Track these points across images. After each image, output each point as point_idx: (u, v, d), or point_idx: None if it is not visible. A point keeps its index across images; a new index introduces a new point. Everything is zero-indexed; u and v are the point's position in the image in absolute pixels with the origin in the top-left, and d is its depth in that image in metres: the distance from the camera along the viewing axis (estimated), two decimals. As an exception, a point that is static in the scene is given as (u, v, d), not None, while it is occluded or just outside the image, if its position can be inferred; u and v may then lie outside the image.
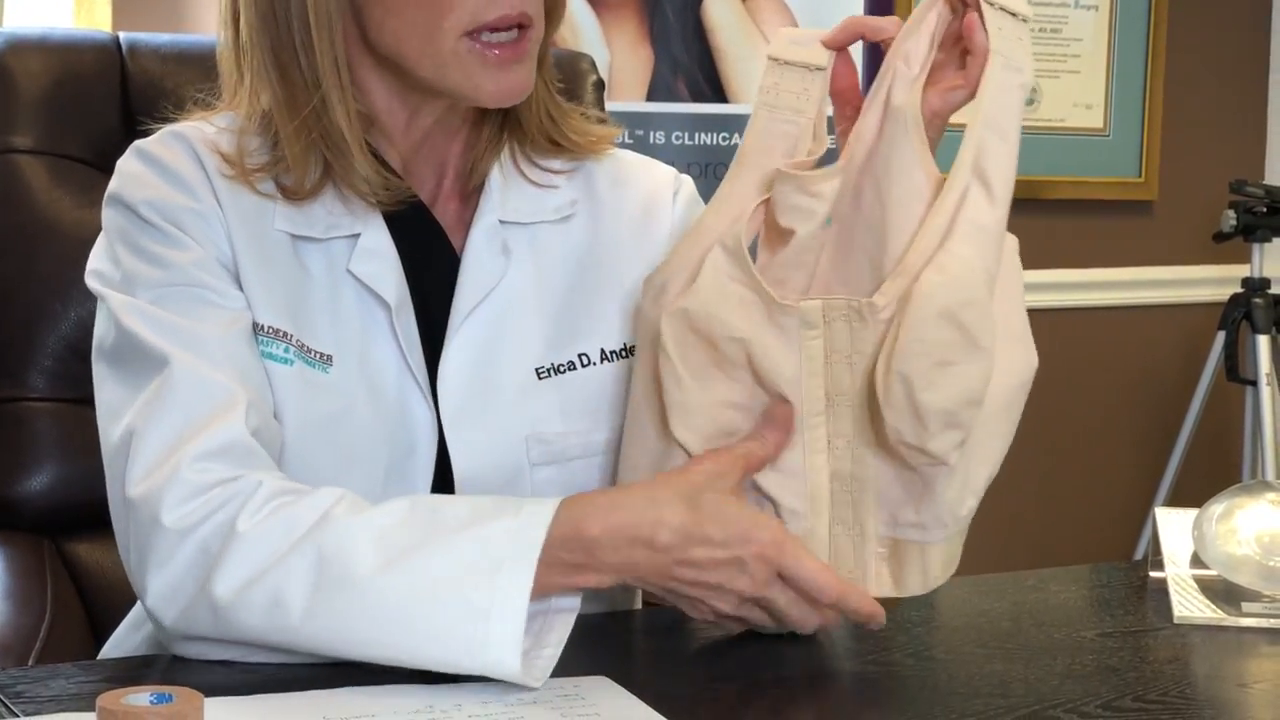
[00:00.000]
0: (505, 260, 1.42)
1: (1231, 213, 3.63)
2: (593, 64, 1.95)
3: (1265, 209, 3.62)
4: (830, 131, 1.35)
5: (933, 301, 1.22)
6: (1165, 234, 3.91)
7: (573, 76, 1.87)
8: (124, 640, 1.48)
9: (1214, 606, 1.48)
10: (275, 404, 1.34)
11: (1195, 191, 3.90)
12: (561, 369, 1.42)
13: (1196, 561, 1.55)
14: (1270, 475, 3.58)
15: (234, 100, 1.41)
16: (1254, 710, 1.28)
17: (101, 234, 1.39)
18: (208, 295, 1.34)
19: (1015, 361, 1.27)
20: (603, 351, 1.44)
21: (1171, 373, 3.92)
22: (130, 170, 1.38)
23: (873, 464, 1.28)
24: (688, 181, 1.54)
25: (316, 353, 1.36)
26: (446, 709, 1.14)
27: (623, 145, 1.56)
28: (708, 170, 3.05)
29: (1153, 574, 1.57)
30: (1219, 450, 3.88)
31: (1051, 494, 3.80)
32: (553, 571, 1.20)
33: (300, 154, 1.35)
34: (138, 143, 1.40)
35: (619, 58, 3.04)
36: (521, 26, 1.34)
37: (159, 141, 1.39)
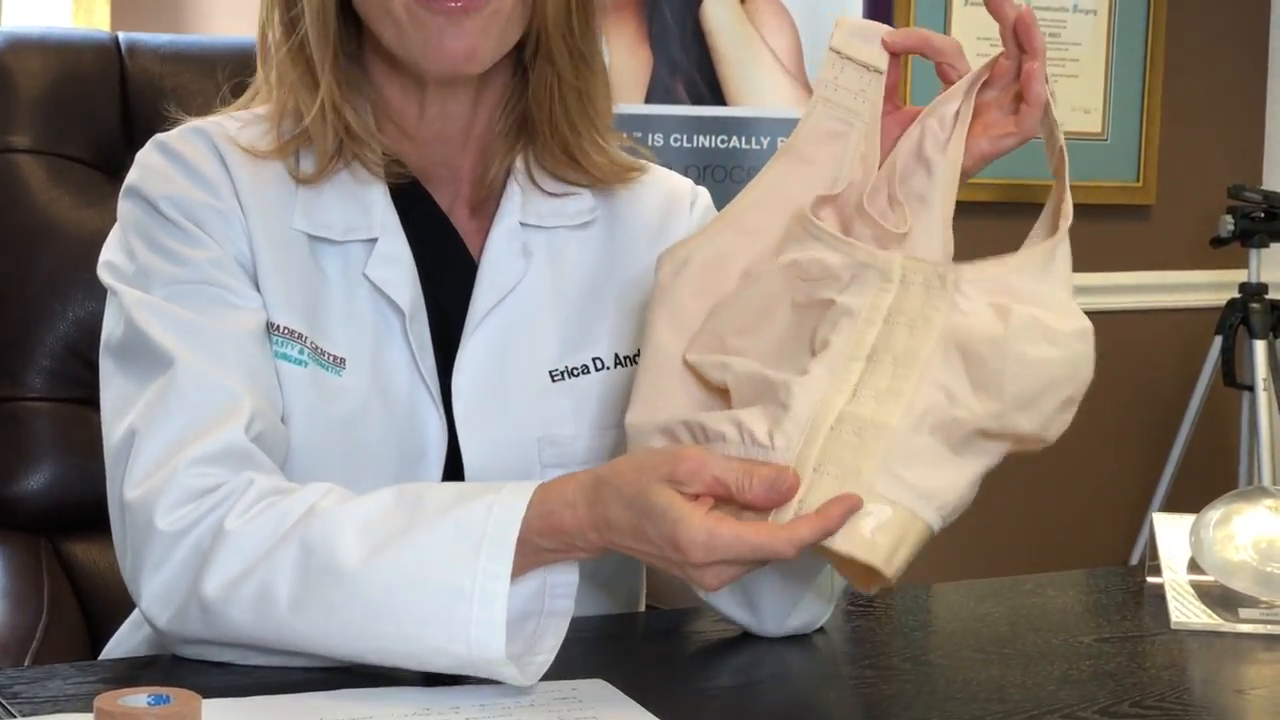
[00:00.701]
0: (525, 263, 1.42)
1: (1229, 218, 3.63)
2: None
3: (1263, 214, 3.62)
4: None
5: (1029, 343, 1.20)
6: (1163, 239, 3.92)
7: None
8: (126, 639, 1.48)
9: (1211, 612, 1.48)
10: (286, 405, 1.34)
11: (1193, 196, 3.90)
12: (575, 372, 1.42)
13: (1194, 567, 1.55)
14: (1267, 481, 3.58)
15: (262, 95, 1.42)
16: (1251, 716, 1.28)
17: (116, 225, 1.39)
18: (224, 295, 1.33)
19: None
20: (616, 356, 1.44)
21: (1168, 377, 3.92)
22: (151, 164, 1.38)
23: (900, 418, 1.19)
24: (704, 192, 1.54)
25: (330, 355, 1.36)
26: (444, 711, 1.14)
27: (622, 149, 1.56)
28: (706, 173, 3.05)
29: (1150, 579, 1.57)
30: (1216, 456, 3.88)
31: (1048, 499, 3.80)
32: (542, 553, 1.20)
33: (319, 122, 1.37)
34: (159, 136, 1.40)
35: (617, 60, 3.04)
36: None
37: (181, 136, 1.39)
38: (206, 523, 1.23)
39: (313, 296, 1.37)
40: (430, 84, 1.40)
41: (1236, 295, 3.69)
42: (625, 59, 3.05)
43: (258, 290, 1.35)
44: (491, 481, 1.25)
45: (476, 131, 1.43)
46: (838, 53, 1.30)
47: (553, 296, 1.43)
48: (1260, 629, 1.45)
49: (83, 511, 1.67)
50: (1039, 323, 1.19)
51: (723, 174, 3.06)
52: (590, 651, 1.31)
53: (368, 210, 1.39)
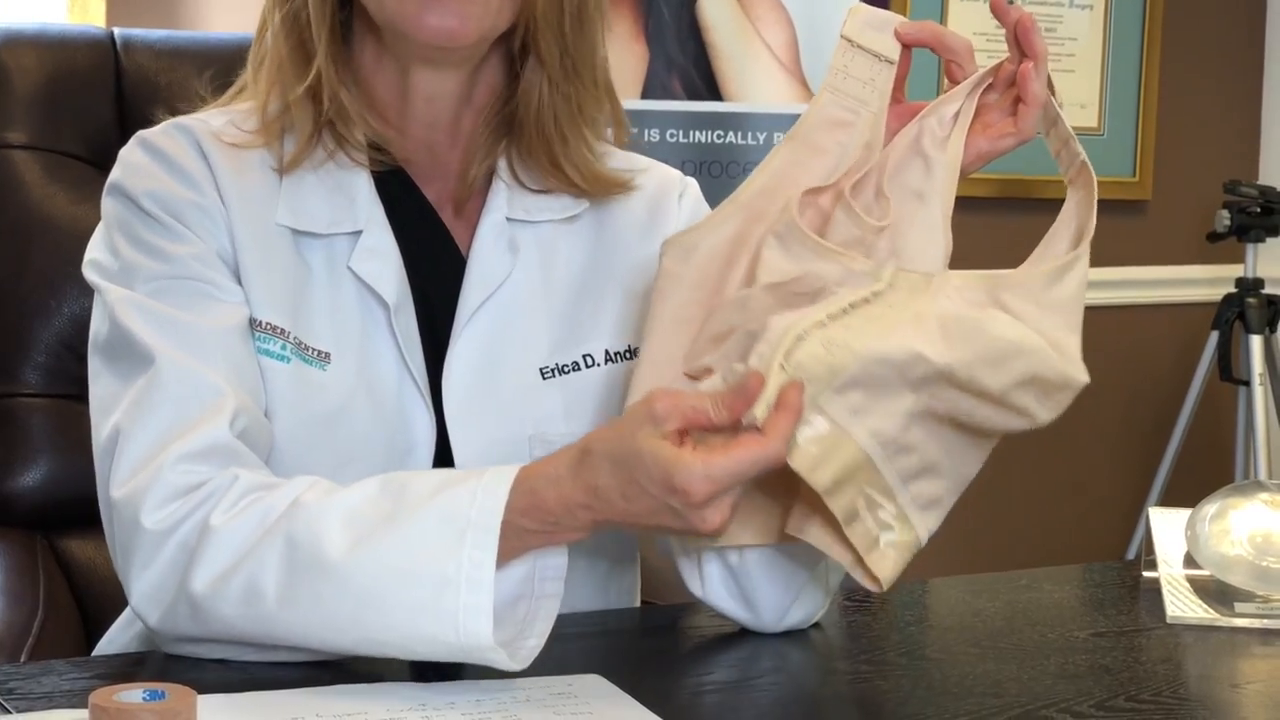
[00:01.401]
0: (512, 258, 1.42)
1: (1225, 213, 3.63)
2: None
3: (1259, 209, 3.62)
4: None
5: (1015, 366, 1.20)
6: (1159, 233, 3.92)
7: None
8: (121, 635, 1.48)
9: (1207, 607, 1.48)
10: (270, 402, 1.34)
11: (1189, 191, 3.91)
12: (566, 369, 1.42)
13: (1190, 561, 1.56)
14: (1263, 475, 3.58)
15: (248, 91, 1.42)
16: (1246, 710, 1.28)
17: (100, 223, 1.39)
18: (207, 289, 1.33)
19: None
20: (607, 353, 1.44)
21: (1165, 372, 3.92)
22: (133, 160, 1.38)
23: (866, 345, 1.18)
24: (692, 184, 1.53)
25: (314, 350, 1.36)
26: (439, 706, 1.14)
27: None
28: (702, 168, 3.05)
29: (1146, 574, 1.58)
30: (1212, 450, 3.89)
31: (1044, 493, 3.80)
32: (527, 536, 1.19)
33: (304, 100, 1.37)
34: (141, 133, 1.40)
35: (613, 55, 3.02)
36: None
37: (163, 133, 1.39)
38: (192, 520, 1.23)
39: (296, 291, 1.37)
40: (417, 70, 1.39)
41: (1232, 290, 3.69)
42: (621, 54, 3.04)
43: (240, 286, 1.35)
44: (475, 468, 1.24)
45: (464, 128, 1.43)
46: (849, 41, 1.30)
47: (542, 292, 1.43)
48: (1256, 623, 1.46)
49: (79, 507, 1.67)
50: (1016, 324, 1.19)
51: (719, 169, 3.06)
52: (586, 647, 1.31)
53: (352, 202, 1.39)
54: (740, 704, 1.23)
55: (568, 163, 1.43)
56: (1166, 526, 1.60)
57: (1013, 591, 1.56)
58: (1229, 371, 3.66)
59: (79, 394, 1.56)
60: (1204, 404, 3.72)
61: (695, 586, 1.39)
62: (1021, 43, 1.28)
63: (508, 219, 1.43)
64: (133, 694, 0.97)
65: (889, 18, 1.31)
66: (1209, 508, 1.57)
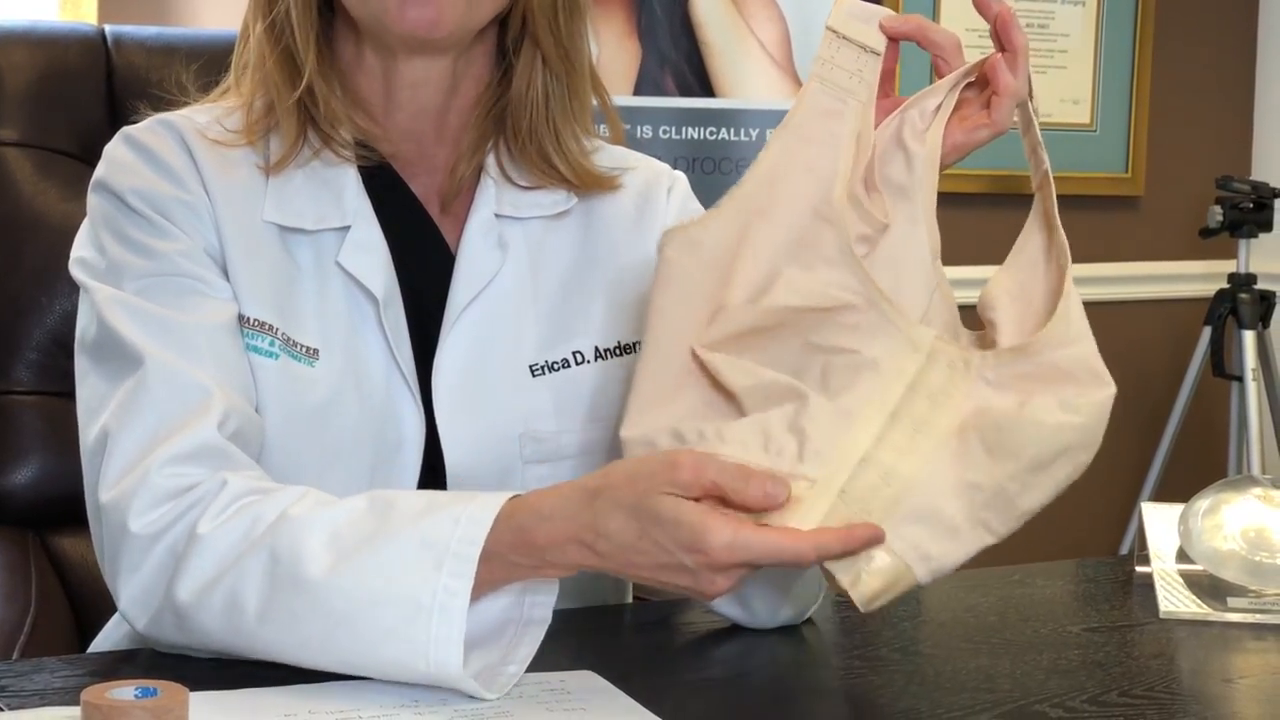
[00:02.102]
0: (501, 255, 1.41)
1: (1218, 208, 3.64)
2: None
3: (1251, 205, 3.63)
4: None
5: (1055, 441, 1.21)
6: (1152, 229, 3.92)
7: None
8: (114, 633, 1.47)
9: (1200, 601, 1.48)
10: (259, 398, 1.34)
11: (1182, 187, 3.91)
12: (555, 366, 1.42)
13: (1182, 556, 1.56)
14: (1256, 470, 3.58)
15: (233, 90, 1.41)
16: (1239, 705, 1.28)
17: (86, 220, 1.38)
18: (196, 286, 1.33)
19: None
20: (597, 350, 1.43)
21: (1158, 368, 3.93)
22: (118, 157, 1.38)
23: (924, 475, 1.20)
24: (681, 178, 1.53)
25: (302, 346, 1.35)
26: (432, 704, 1.14)
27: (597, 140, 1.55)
28: (694, 165, 3.05)
29: (1139, 569, 1.58)
30: (1205, 445, 3.89)
31: (1038, 489, 3.80)
32: (514, 569, 1.18)
33: (290, 113, 1.37)
34: (126, 129, 1.39)
35: (606, 52, 3.04)
36: None
37: (148, 129, 1.39)
38: (180, 525, 1.23)
39: (284, 287, 1.36)
40: (399, 65, 1.39)
41: (1225, 286, 3.69)
42: (614, 51, 3.04)
43: (228, 282, 1.35)
44: (465, 491, 1.23)
45: (451, 124, 1.43)
46: (835, 32, 1.30)
47: (531, 289, 1.42)
48: (1249, 618, 1.46)
49: (71, 505, 1.66)
50: (1058, 397, 1.21)
51: (711, 166, 3.06)
52: (579, 643, 1.31)
53: (339, 197, 1.38)
54: (733, 699, 1.23)
55: (558, 157, 1.43)
56: (1160, 521, 1.60)
57: (1006, 586, 1.56)
58: (1222, 367, 3.67)
59: (70, 391, 1.55)
60: (1197, 399, 3.73)
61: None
62: (1001, 36, 1.28)
63: (496, 215, 1.42)
64: (125, 691, 0.97)
65: (874, 10, 1.31)
66: (1202, 503, 1.57)
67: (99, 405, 1.29)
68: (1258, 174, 3.98)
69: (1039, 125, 1.31)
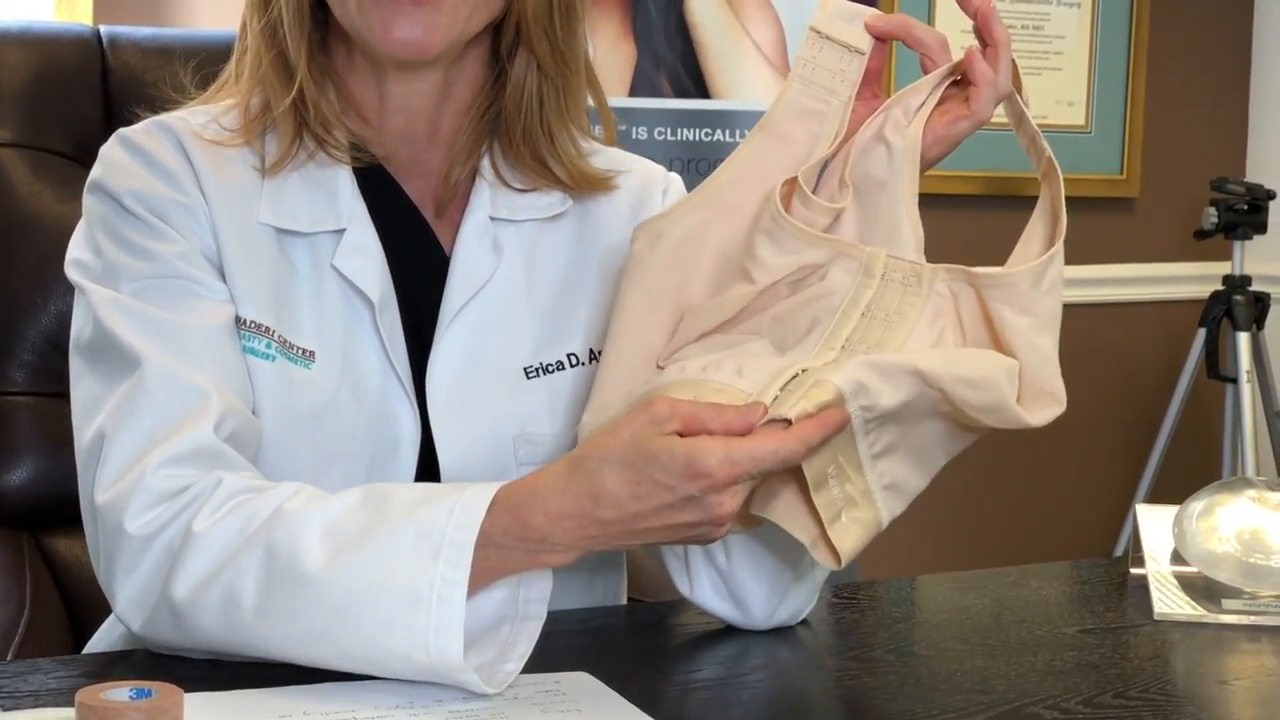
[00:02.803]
0: (496, 257, 1.41)
1: (1213, 210, 3.64)
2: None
3: (1246, 206, 3.63)
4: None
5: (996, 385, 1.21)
6: (1147, 231, 3.92)
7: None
8: (109, 634, 1.47)
9: (1194, 603, 1.49)
10: (255, 400, 1.34)
11: (1177, 189, 3.91)
12: (550, 369, 1.42)
13: (1177, 558, 1.56)
14: (1250, 472, 3.59)
15: (228, 89, 1.41)
16: (1234, 706, 1.28)
17: (82, 221, 1.38)
18: (192, 288, 1.33)
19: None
20: (591, 352, 1.43)
21: (1152, 369, 3.93)
22: (114, 159, 1.37)
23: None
24: (676, 179, 1.53)
25: (298, 348, 1.35)
26: (427, 704, 1.14)
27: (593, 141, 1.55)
28: (689, 166, 3.05)
29: (1133, 570, 1.58)
30: (1199, 447, 3.89)
31: (1032, 490, 3.80)
32: (511, 556, 1.18)
33: (285, 115, 1.37)
34: (122, 130, 1.39)
35: (601, 53, 3.04)
36: None
37: (144, 131, 1.39)
38: (176, 525, 1.23)
39: (280, 289, 1.36)
40: (391, 73, 1.39)
41: (1220, 287, 3.70)
42: (609, 52, 3.04)
43: (225, 284, 1.35)
44: (459, 482, 1.24)
45: (444, 128, 1.43)
46: (818, 32, 1.31)
47: (526, 292, 1.42)
48: (1243, 620, 1.46)
49: (65, 506, 1.66)
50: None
51: (706, 167, 3.06)
52: (574, 644, 1.31)
53: (334, 200, 1.38)
54: (728, 701, 1.23)
55: (553, 159, 1.43)
56: (1154, 523, 1.60)
57: (1000, 588, 1.56)
58: (1216, 368, 3.67)
59: (65, 392, 1.55)
60: (1191, 401, 3.73)
61: (683, 586, 1.39)
62: (982, 31, 1.28)
63: (491, 218, 1.42)
64: (119, 692, 0.97)
65: (859, 10, 1.31)
66: (1196, 504, 1.57)
67: (95, 407, 1.29)
68: (1252, 176, 3.98)
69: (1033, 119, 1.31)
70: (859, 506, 1.19)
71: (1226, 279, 3.69)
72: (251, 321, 1.34)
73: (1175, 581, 1.53)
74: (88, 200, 1.38)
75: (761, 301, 1.24)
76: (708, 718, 1.20)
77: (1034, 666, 1.30)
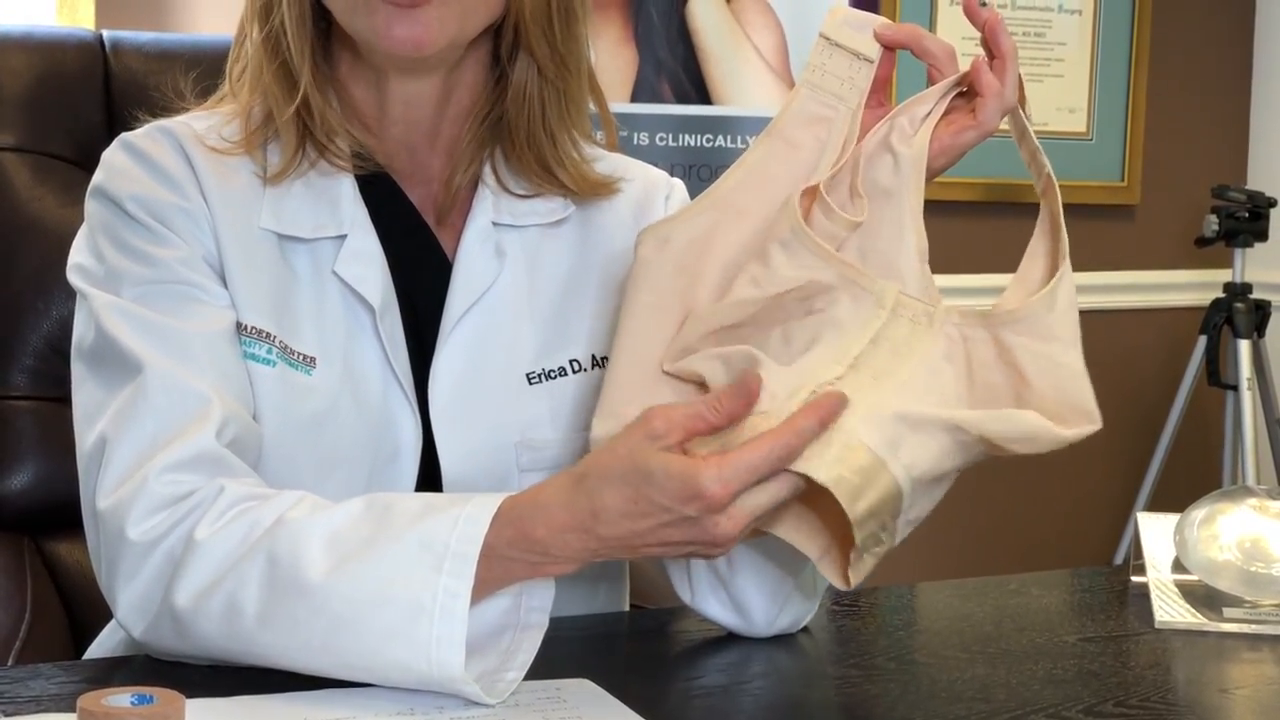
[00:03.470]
0: (499, 263, 1.41)
1: (1214, 217, 3.64)
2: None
3: (1247, 214, 3.63)
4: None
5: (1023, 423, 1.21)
6: (1147, 238, 3.92)
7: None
8: (110, 640, 1.47)
9: (1195, 612, 1.48)
10: (256, 406, 1.34)
11: (1178, 196, 3.91)
12: (552, 374, 1.42)
13: (1178, 566, 1.56)
14: (1251, 480, 3.58)
15: (231, 94, 1.41)
16: (1235, 715, 1.28)
17: (84, 226, 1.38)
18: (194, 292, 1.33)
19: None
20: (594, 358, 1.43)
21: (1153, 377, 3.93)
22: (116, 163, 1.37)
23: (886, 395, 1.20)
24: (679, 185, 1.53)
25: (299, 354, 1.35)
26: (429, 711, 1.14)
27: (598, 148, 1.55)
28: (691, 172, 3.05)
29: (1134, 579, 1.58)
30: (1200, 455, 3.89)
31: (1033, 498, 3.80)
32: (512, 567, 1.18)
33: (288, 125, 1.37)
34: (124, 135, 1.39)
35: (602, 59, 3.04)
36: None
37: (146, 136, 1.39)
38: (178, 532, 1.23)
39: (282, 295, 1.36)
40: (392, 78, 1.39)
41: (1221, 295, 3.70)
42: (610, 58, 3.04)
43: (226, 289, 1.35)
44: (462, 493, 1.24)
45: (445, 135, 1.43)
46: (828, 39, 1.31)
47: (528, 298, 1.42)
48: (1244, 628, 1.46)
49: (66, 511, 1.66)
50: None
51: (708, 173, 3.06)
52: (575, 651, 1.31)
53: (336, 206, 1.38)
54: (729, 708, 1.23)
55: (556, 164, 1.43)
56: (1155, 531, 1.60)
57: (1001, 596, 1.56)
58: (1217, 376, 3.67)
59: (67, 397, 1.56)
60: (1192, 409, 3.73)
61: (685, 594, 1.39)
62: (989, 41, 1.28)
63: (494, 224, 1.42)
64: (121, 698, 0.97)
65: (869, 18, 1.31)
66: (1197, 513, 1.57)
67: (96, 412, 1.29)
68: (1253, 183, 3.98)
69: (1035, 132, 1.31)
70: (884, 544, 1.19)
71: (1227, 286, 3.69)
72: (253, 327, 1.34)
73: (1176, 590, 1.53)
74: (90, 205, 1.38)
75: (768, 312, 1.24)
76: (708, 725, 1.20)
77: (1035, 675, 1.30)
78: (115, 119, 1.81)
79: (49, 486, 1.76)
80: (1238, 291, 3.67)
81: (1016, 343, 1.22)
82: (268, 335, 1.35)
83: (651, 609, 1.55)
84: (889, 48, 1.30)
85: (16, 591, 1.67)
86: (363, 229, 1.38)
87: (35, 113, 1.80)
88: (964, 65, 1.30)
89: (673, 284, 1.28)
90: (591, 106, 1.47)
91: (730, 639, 1.38)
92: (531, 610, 1.21)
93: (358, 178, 1.40)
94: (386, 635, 1.15)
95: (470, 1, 1.34)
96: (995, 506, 3.69)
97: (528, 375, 1.41)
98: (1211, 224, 3.64)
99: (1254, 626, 1.46)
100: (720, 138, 3.10)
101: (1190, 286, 3.94)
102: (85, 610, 1.71)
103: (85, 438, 1.29)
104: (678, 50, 3.12)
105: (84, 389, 1.32)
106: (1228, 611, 1.49)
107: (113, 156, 1.38)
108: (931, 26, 3.54)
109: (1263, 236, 3.66)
